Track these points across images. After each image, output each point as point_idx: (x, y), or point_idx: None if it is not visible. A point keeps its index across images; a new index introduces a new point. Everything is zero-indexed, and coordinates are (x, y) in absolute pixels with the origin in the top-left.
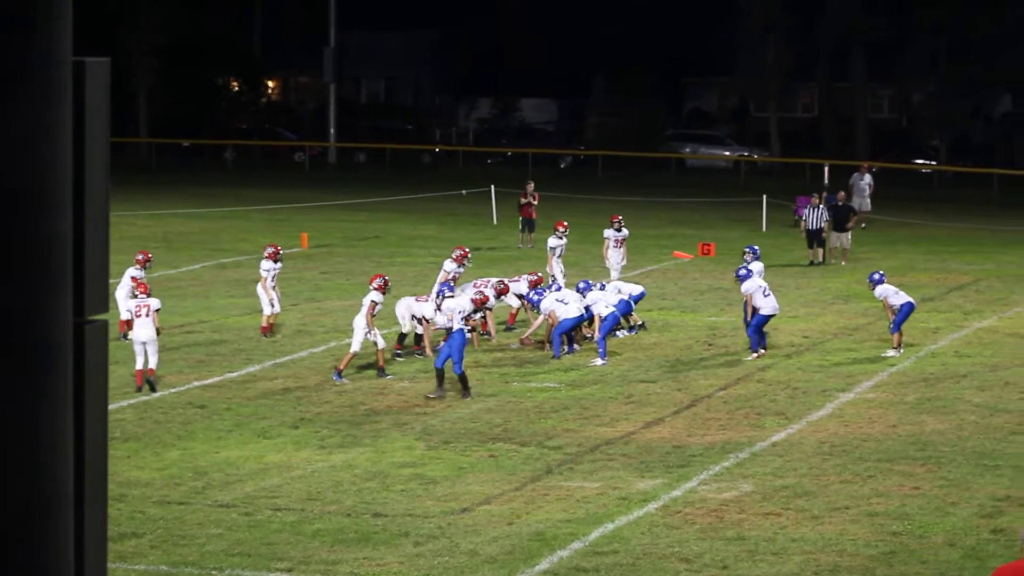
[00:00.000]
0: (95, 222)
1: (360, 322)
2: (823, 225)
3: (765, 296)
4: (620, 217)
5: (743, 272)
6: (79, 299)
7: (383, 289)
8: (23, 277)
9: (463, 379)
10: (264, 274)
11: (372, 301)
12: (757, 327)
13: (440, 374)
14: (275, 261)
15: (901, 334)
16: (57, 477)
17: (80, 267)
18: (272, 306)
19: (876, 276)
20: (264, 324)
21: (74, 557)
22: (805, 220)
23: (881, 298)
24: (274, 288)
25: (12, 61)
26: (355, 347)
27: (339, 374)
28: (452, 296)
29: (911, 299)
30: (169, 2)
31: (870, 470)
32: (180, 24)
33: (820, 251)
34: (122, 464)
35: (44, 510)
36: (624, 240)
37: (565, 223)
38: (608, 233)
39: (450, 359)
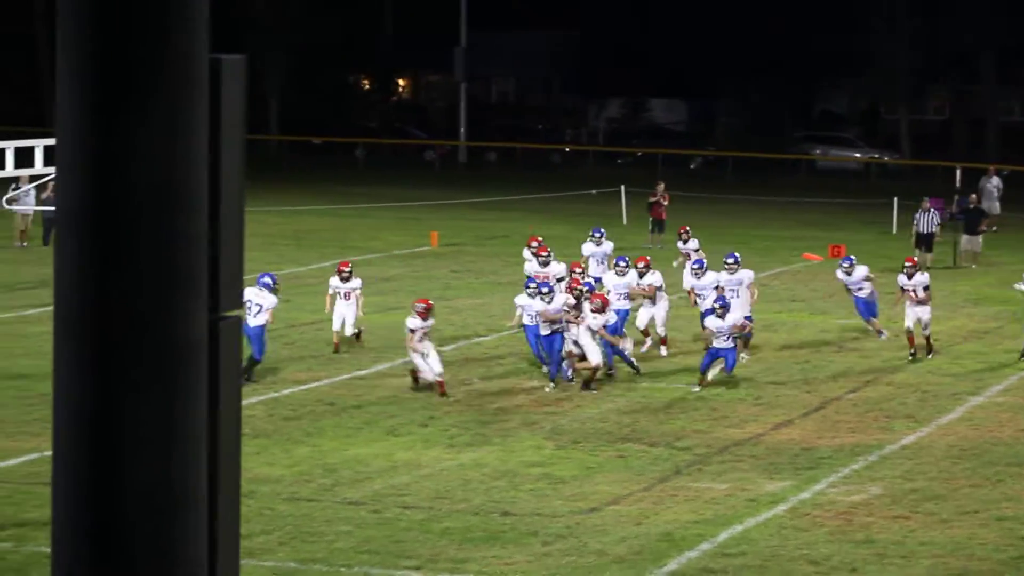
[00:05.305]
0: (230, 219)
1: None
2: (934, 230)
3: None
4: (687, 228)
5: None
6: (214, 296)
7: (424, 315)
8: (160, 275)
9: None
10: (331, 290)
11: (409, 330)
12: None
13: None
14: (342, 280)
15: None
16: (191, 473)
17: (215, 264)
18: (339, 322)
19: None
20: (335, 340)
21: (207, 552)
22: (916, 224)
23: (861, 277)
24: (347, 299)
25: (149, 59)
26: (437, 367)
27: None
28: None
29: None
30: (299, 1)
31: (1000, 474)
32: (310, 22)
33: (928, 256)
34: (252, 461)
35: (179, 505)
36: (693, 251)
37: (686, 227)
38: (679, 245)
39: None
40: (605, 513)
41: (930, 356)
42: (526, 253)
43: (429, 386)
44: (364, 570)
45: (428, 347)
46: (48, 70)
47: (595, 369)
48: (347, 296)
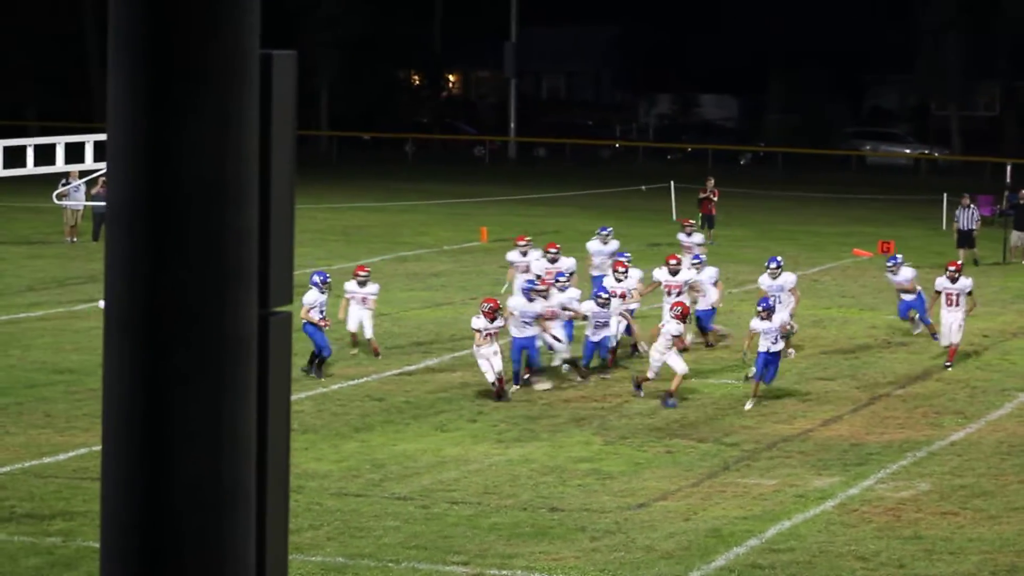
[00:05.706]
0: (280, 215)
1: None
2: (974, 226)
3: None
4: (692, 221)
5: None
6: (264, 291)
7: (491, 315)
8: (210, 269)
9: None
10: (347, 294)
11: (474, 330)
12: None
13: None
14: (359, 284)
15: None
16: (240, 469)
17: (265, 259)
18: (354, 324)
19: (900, 258)
20: (374, 345)
21: (256, 547)
22: (956, 221)
23: (907, 279)
24: (363, 306)
25: (199, 54)
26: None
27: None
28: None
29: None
30: None
31: None
32: (361, 18)
33: (974, 252)
34: (300, 456)
35: (227, 501)
36: (697, 245)
37: (691, 221)
38: (680, 237)
39: None
40: (653, 509)
41: (948, 366)
42: (512, 255)
43: (481, 380)
44: (412, 565)
45: (494, 349)
46: (97, 66)
47: (683, 377)
48: (363, 300)
